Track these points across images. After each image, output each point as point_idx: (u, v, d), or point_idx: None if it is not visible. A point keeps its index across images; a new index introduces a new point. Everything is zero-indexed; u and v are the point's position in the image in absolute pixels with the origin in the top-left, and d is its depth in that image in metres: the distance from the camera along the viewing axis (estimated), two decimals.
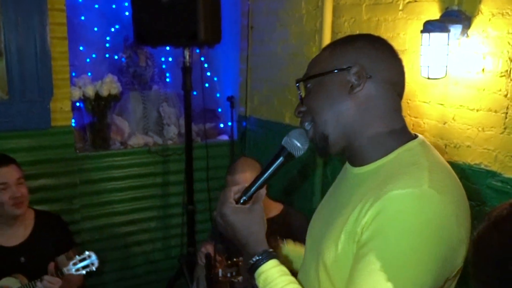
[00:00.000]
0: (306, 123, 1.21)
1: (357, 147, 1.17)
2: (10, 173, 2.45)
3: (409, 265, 0.99)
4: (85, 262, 2.41)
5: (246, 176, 2.57)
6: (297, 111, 1.23)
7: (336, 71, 1.16)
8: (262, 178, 1.25)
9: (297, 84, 1.24)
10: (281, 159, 1.24)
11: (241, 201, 1.24)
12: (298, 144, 1.23)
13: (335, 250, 1.11)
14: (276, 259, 1.17)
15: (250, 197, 1.24)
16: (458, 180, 1.15)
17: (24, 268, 2.47)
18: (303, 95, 1.23)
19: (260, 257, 1.16)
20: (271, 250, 1.19)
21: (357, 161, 1.19)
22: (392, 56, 1.20)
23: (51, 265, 2.38)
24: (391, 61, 1.19)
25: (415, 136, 1.18)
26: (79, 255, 2.43)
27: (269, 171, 1.25)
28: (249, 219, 1.19)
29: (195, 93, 3.59)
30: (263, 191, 1.26)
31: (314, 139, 1.20)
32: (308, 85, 1.21)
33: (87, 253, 2.44)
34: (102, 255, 3.36)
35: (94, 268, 2.44)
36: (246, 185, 1.26)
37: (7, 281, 2.38)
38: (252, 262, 1.17)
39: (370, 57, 1.16)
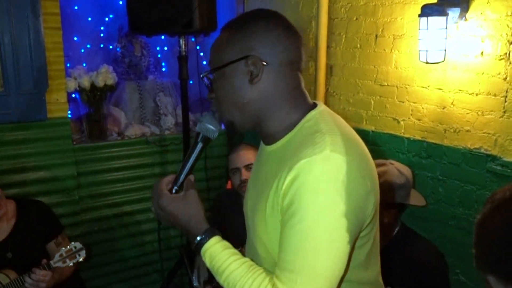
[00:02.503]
0: (215, 108, 1.32)
1: (265, 128, 1.28)
2: None
3: (327, 220, 1.11)
4: (72, 254, 2.41)
5: (249, 154, 2.60)
6: (209, 97, 1.33)
7: (234, 61, 1.23)
8: (187, 166, 1.35)
9: (202, 76, 1.31)
10: (199, 144, 1.35)
11: (173, 191, 1.34)
12: (212, 127, 1.34)
13: (264, 223, 1.23)
14: (218, 236, 1.28)
15: (181, 186, 1.34)
16: (358, 139, 1.27)
17: (11, 263, 2.45)
18: (208, 86, 1.31)
19: (203, 236, 1.26)
20: (212, 228, 1.29)
21: (268, 140, 1.30)
22: (287, 35, 1.24)
23: (44, 261, 2.37)
24: (286, 41, 1.24)
25: (315, 105, 1.28)
26: (65, 247, 2.43)
27: (191, 159, 1.35)
28: (186, 204, 1.30)
29: (191, 82, 3.56)
30: (192, 177, 1.36)
31: (223, 123, 1.32)
32: (211, 76, 1.29)
33: (73, 244, 2.44)
34: (102, 246, 3.38)
35: (81, 259, 2.44)
36: (174, 175, 1.36)
37: None
38: (196, 242, 1.27)
39: (264, 43, 1.22)
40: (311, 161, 1.11)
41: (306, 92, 1.31)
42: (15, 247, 2.50)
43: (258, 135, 1.35)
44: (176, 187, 1.34)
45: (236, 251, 1.25)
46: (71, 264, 2.42)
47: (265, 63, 1.22)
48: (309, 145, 1.15)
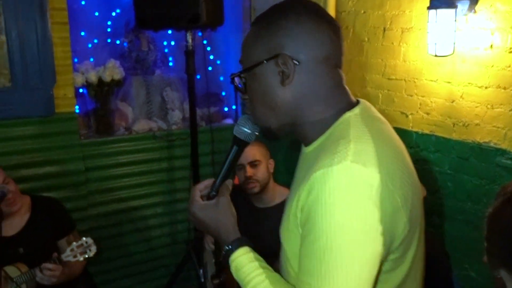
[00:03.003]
0: (249, 111, 1.24)
1: (301, 129, 1.18)
2: None
3: (343, 240, 0.98)
4: (82, 249, 2.42)
5: (253, 150, 2.59)
6: (242, 98, 1.25)
7: (264, 61, 1.13)
8: (223, 170, 1.31)
9: (232, 77, 1.22)
10: (235, 148, 1.29)
11: (211, 195, 1.30)
12: (248, 131, 1.27)
13: (287, 233, 1.15)
14: (247, 246, 1.20)
15: (217, 190, 1.30)
16: (397, 147, 1.13)
17: (23, 258, 2.46)
18: (239, 87, 1.22)
19: (231, 246, 1.21)
20: (242, 237, 1.23)
21: (305, 141, 1.20)
22: (321, 28, 1.12)
23: (55, 254, 2.38)
24: (321, 35, 1.12)
25: (355, 104, 1.15)
26: (76, 242, 2.44)
27: (227, 163, 1.31)
28: (217, 212, 1.25)
29: (198, 76, 3.56)
30: (229, 182, 1.31)
31: (261, 129, 1.23)
32: (242, 77, 1.20)
33: (84, 239, 2.44)
34: (109, 242, 3.39)
35: (91, 254, 2.45)
36: (214, 179, 1.32)
37: (7, 270, 2.37)
38: (224, 252, 1.22)
39: (295, 39, 1.11)
40: (327, 173, 1.00)
41: (347, 90, 1.18)
42: (27, 242, 2.51)
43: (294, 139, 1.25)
44: (213, 192, 1.30)
45: (264, 264, 1.18)
46: (81, 259, 2.42)
47: (296, 62, 1.10)
48: (330, 154, 1.03)
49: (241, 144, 1.29)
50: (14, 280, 2.34)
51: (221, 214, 1.25)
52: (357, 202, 0.98)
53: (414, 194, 1.09)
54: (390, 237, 1.03)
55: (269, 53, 1.12)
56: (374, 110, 1.19)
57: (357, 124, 1.09)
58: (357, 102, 1.16)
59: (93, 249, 2.45)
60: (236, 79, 1.21)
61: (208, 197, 1.30)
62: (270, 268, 1.18)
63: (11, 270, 2.38)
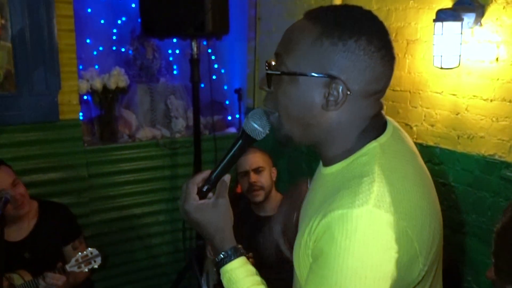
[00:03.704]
0: (270, 109, 1.10)
1: (325, 150, 1.09)
2: (3, 179, 2.39)
3: (354, 286, 0.94)
4: (87, 260, 2.41)
5: (257, 157, 2.59)
6: (261, 87, 1.10)
7: (317, 75, 1.00)
8: (222, 164, 1.18)
9: (268, 62, 1.07)
10: (240, 142, 1.17)
11: (204, 189, 1.18)
12: (258, 127, 1.14)
13: (297, 254, 1.09)
14: (243, 257, 1.14)
15: (213, 185, 1.18)
16: (424, 180, 1.08)
17: (28, 264, 2.46)
18: (267, 82, 1.08)
19: (226, 255, 1.13)
20: (238, 246, 1.16)
21: (324, 161, 1.12)
22: (385, 62, 1.02)
23: (59, 264, 2.37)
24: (381, 70, 1.02)
25: (384, 128, 1.07)
26: (81, 252, 2.43)
27: (229, 156, 1.18)
28: (214, 215, 1.15)
29: (202, 85, 3.56)
30: (228, 178, 1.19)
31: (277, 133, 1.10)
32: (281, 70, 1.04)
33: (89, 249, 2.44)
34: (111, 248, 3.38)
35: (96, 266, 2.44)
36: (209, 171, 1.20)
37: (10, 277, 2.37)
38: (217, 260, 1.15)
39: (357, 67, 1.00)
40: (346, 215, 0.94)
41: (383, 115, 1.10)
42: (34, 248, 2.51)
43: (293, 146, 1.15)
44: (208, 186, 1.18)
45: (259, 279, 1.13)
46: (86, 270, 2.42)
47: (348, 92, 1.00)
48: (352, 192, 0.97)
49: (248, 140, 1.17)
50: None
51: (218, 218, 1.15)
52: (373, 251, 0.94)
53: (435, 229, 1.04)
54: (403, 283, 1.00)
55: (323, 68, 1.00)
56: (401, 133, 1.12)
57: (382, 158, 1.02)
58: (385, 124, 1.09)
59: (98, 260, 2.44)
60: (268, 66, 1.07)
61: (202, 191, 1.18)
62: (264, 284, 1.14)
63: (14, 278, 2.37)
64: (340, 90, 1.00)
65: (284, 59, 1.04)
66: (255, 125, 1.14)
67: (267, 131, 1.14)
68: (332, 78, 1.00)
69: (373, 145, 1.04)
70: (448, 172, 2.48)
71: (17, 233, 2.51)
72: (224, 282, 1.14)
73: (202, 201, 1.17)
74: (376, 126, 1.07)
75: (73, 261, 2.39)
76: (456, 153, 2.44)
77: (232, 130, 3.89)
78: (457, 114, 2.41)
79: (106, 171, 3.36)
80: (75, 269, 2.39)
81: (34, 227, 2.55)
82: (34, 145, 3.05)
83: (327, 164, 1.10)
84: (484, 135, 2.30)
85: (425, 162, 1.17)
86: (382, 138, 1.05)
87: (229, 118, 3.96)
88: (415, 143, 2.58)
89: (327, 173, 1.10)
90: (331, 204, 0.98)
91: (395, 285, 0.97)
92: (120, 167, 3.42)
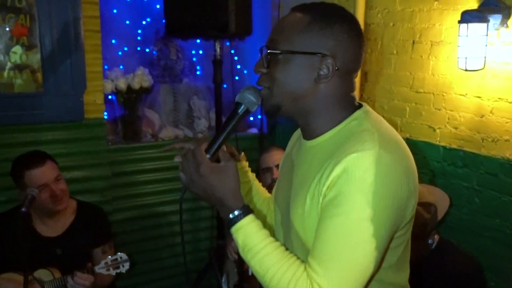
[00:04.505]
0: (263, 86, 1.27)
1: (310, 123, 1.28)
2: (47, 173, 2.44)
3: (370, 216, 1.11)
4: (116, 264, 2.44)
5: (279, 154, 2.64)
6: (257, 70, 1.28)
7: (309, 53, 1.20)
8: (222, 136, 1.28)
9: (264, 50, 1.26)
10: (238, 114, 1.28)
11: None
12: (253, 99, 1.27)
13: (302, 217, 1.23)
14: (254, 214, 1.23)
15: (213, 155, 1.26)
16: (402, 140, 1.26)
17: (59, 260, 2.49)
18: (265, 59, 1.25)
19: (240, 212, 1.21)
20: (248, 206, 1.24)
21: (310, 135, 1.29)
22: (361, 45, 1.26)
23: (89, 265, 2.41)
24: (359, 51, 1.26)
25: (360, 105, 1.29)
26: (111, 256, 2.46)
27: (227, 129, 1.28)
28: (226, 176, 1.23)
29: (225, 86, 3.58)
30: (225, 148, 1.30)
31: (266, 103, 1.27)
32: (278, 54, 1.23)
33: (119, 254, 2.47)
34: (133, 247, 3.41)
35: (124, 271, 2.47)
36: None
37: (40, 273, 2.41)
38: (230, 217, 1.22)
39: (342, 48, 1.21)
40: (361, 156, 1.12)
41: (355, 95, 1.33)
42: (66, 245, 2.54)
43: (294, 125, 1.34)
44: (208, 156, 1.25)
45: (268, 232, 1.22)
46: (114, 273, 2.45)
47: (337, 68, 1.21)
48: (358, 141, 1.15)
49: (244, 111, 1.28)
50: (46, 284, 2.36)
51: (230, 178, 1.23)
52: (386, 185, 1.12)
53: (417, 182, 1.24)
54: (402, 217, 1.19)
55: (315, 48, 1.20)
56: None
57: (370, 119, 1.24)
58: (360, 105, 1.30)
59: (127, 265, 2.47)
60: (264, 50, 1.26)
61: None
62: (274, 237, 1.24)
63: (45, 274, 2.41)
64: (330, 66, 1.21)
65: (280, 43, 1.24)
66: (249, 96, 1.27)
67: (259, 102, 1.29)
68: (323, 55, 1.20)
69: (359, 112, 1.26)
70: (471, 175, 2.45)
71: (53, 229, 2.56)
72: (238, 238, 1.21)
73: (215, 163, 1.25)
74: (354, 102, 1.30)
75: (102, 263, 2.42)
76: (480, 156, 2.40)
77: (254, 130, 3.90)
78: (481, 117, 2.38)
79: (129, 170, 3.40)
80: (103, 271, 2.42)
81: (70, 225, 2.59)
82: (59, 143, 3.10)
83: (311, 137, 1.29)
84: (509, 138, 2.27)
85: (448, 165, 1.24)
86: (364, 109, 1.28)
87: (251, 118, 3.97)
88: (438, 146, 2.57)
89: (313, 145, 1.28)
90: (340, 153, 1.15)
91: (399, 216, 1.17)
92: (143, 166, 3.45)
